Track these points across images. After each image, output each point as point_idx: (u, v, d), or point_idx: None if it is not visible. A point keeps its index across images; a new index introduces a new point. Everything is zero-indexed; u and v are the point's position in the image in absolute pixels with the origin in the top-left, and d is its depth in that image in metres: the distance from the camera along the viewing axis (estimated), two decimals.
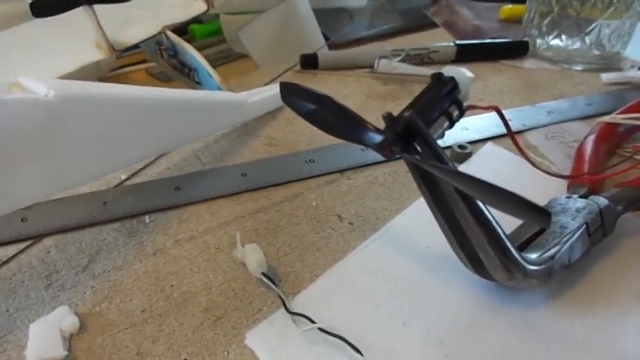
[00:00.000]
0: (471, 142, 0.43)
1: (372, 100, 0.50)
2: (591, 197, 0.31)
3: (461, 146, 0.41)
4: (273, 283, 0.28)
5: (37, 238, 0.33)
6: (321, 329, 0.25)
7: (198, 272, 0.30)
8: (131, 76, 0.67)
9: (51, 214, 0.34)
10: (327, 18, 0.75)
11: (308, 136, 0.44)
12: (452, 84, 0.24)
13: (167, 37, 0.48)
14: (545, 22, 0.57)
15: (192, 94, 0.38)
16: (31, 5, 0.39)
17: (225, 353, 0.26)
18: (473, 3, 0.73)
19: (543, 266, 0.26)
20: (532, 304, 0.28)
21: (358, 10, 0.84)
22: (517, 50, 0.59)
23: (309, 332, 0.25)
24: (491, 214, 0.25)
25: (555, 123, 0.46)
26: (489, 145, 0.42)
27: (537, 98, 0.51)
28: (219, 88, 0.46)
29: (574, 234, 0.28)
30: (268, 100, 0.47)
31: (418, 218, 0.34)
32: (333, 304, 0.28)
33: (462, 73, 0.24)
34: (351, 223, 0.34)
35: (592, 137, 0.40)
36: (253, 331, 0.27)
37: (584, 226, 0.29)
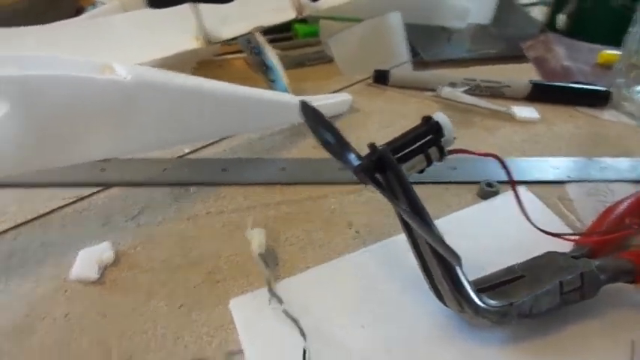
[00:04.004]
0: (503, 182, 0.44)
1: None
2: (583, 259, 0.32)
3: (489, 184, 0.42)
4: (266, 264, 0.33)
5: (107, 186, 0.41)
6: (284, 311, 0.29)
7: (215, 241, 0.37)
8: (231, 62, 0.75)
9: (122, 170, 0.43)
10: (424, 35, 0.77)
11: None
12: (435, 127, 0.27)
13: (255, 37, 0.54)
14: (632, 74, 0.54)
15: (256, 92, 0.44)
16: None
17: (211, 309, 0.31)
18: (574, 42, 0.71)
19: (497, 309, 0.28)
20: (487, 342, 0.30)
21: (458, 31, 0.84)
22: (596, 99, 0.57)
23: (277, 311, 0.30)
24: None
25: (604, 181, 0.45)
26: (521, 189, 0.43)
27: (597, 152, 0.50)
28: (286, 90, 0.52)
29: (544, 288, 0.29)
30: (326, 107, 0.51)
31: None
32: (310, 293, 0.32)
33: (447, 120, 0.27)
34: (357, 232, 0.38)
35: (627, 201, 0.39)
36: (237, 299, 0.32)
37: (558, 283, 0.30)
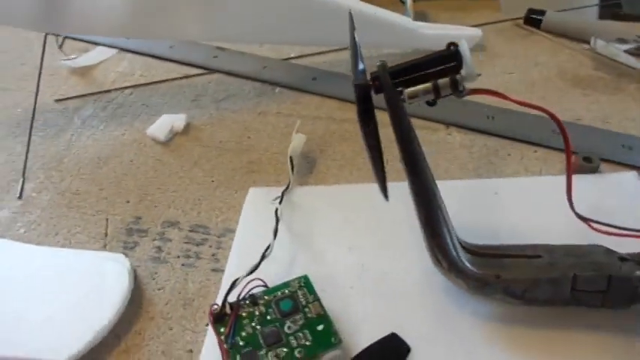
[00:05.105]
0: (620, 164, 0.36)
1: (561, 80, 0.44)
2: (630, 264, 0.25)
3: (588, 158, 0.35)
4: (292, 168, 0.34)
5: (212, 71, 0.46)
6: (276, 210, 0.31)
7: (270, 138, 0.39)
8: None
9: (231, 60, 0.47)
10: None
11: None
12: (453, 56, 0.23)
13: None
14: None
15: (370, 8, 0.43)
16: None
17: (234, 192, 0.35)
18: None
19: (478, 275, 0.25)
20: (469, 313, 0.27)
21: None
22: None
23: (275, 208, 0.31)
24: (439, 199, 0.25)
25: None
26: (631, 174, 0.35)
27: None
28: (409, 15, 0.49)
29: (550, 275, 0.25)
30: (446, 39, 0.47)
31: (455, 193, 0.33)
32: (320, 204, 0.33)
33: (468, 52, 0.23)
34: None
35: None
36: (256, 189, 0.34)
37: (571, 276, 0.25)
